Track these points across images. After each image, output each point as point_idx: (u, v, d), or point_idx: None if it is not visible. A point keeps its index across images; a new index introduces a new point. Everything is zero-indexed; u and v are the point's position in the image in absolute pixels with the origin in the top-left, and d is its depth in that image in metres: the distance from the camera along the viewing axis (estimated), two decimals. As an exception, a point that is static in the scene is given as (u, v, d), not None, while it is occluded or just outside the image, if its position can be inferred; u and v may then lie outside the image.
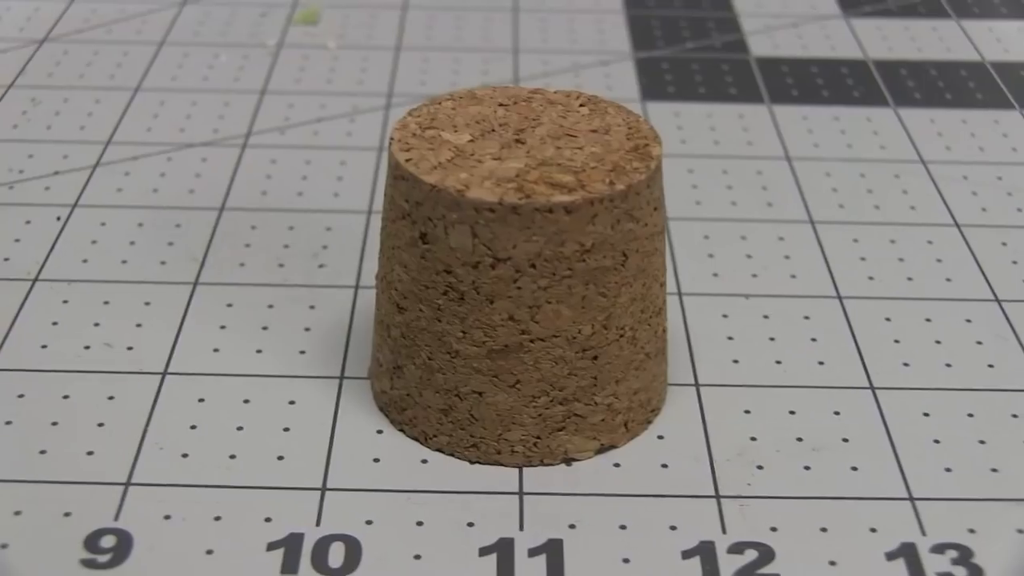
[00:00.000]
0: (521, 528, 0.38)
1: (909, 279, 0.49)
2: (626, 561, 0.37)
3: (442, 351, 0.39)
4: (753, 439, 0.41)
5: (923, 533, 0.38)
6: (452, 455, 0.40)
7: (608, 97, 0.61)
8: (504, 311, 0.38)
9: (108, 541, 0.37)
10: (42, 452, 0.40)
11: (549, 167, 0.38)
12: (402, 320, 0.40)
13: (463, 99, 0.42)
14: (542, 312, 0.38)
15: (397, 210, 0.39)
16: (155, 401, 0.42)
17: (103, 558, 0.36)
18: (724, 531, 0.38)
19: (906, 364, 0.45)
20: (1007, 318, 0.47)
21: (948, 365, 0.45)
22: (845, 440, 0.42)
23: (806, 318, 0.47)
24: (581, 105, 0.42)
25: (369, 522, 0.38)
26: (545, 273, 0.37)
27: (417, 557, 0.37)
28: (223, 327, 0.45)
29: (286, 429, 0.41)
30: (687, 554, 0.37)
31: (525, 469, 0.40)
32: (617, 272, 0.38)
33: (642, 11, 0.70)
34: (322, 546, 0.37)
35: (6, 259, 0.48)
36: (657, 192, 0.39)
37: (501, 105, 0.41)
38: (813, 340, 0.46)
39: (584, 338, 0.39)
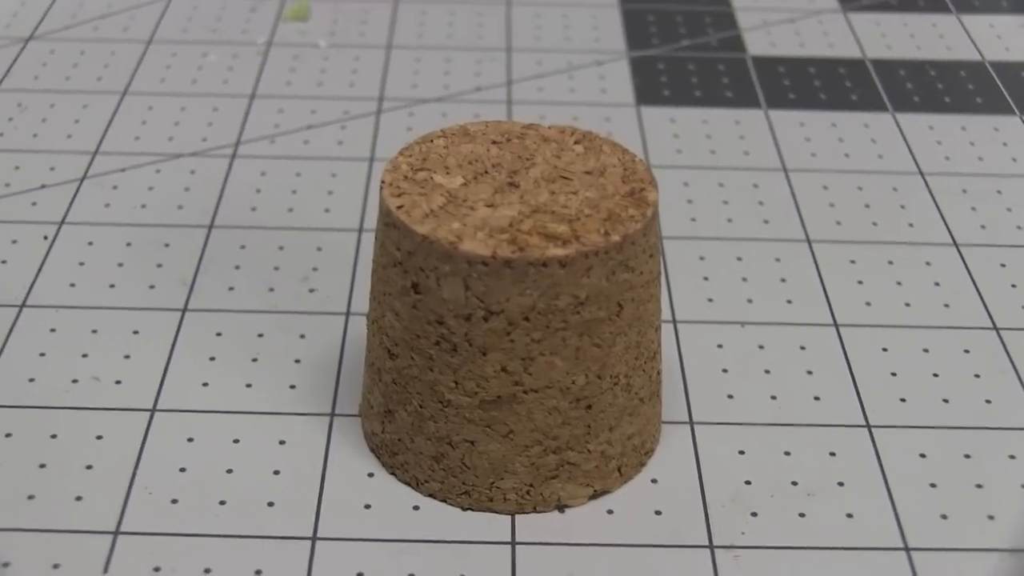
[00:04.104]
0: (513, 580, 0.38)
1: (907, 304, 0.49)
2: (619, 616, 0.37)
3: (434, 400, 0.39)
4: (748, 483, 0.41)
5: (917, 584, 0.38)
6: (444, 501, 0.40)
7: (603, 102, 0.61)
8: (497, 363, 0.37)
9: (97, 596, 0.37)
10: (30, 497, 0.39)
11: (543, 215, 0.38)
12: (393, 366, 0.39)
13: (455, 136, 0.41)
14: (535, 364, 0.37)
15: (388, 257, 0.38)
16: (144, 440, 0.42)
17: (92, 613, 0.36)
18: (718, 583, 0.38)
19: (903, 400, 0.44)
20: (1005, 348, 0.47)
21: (945, 400, 0.45)
22: (840, 484, 0.41)
23: (802, 348, 0.46)
24: (576, 143, 0.41)
25: (360, 574, 0.38)
26: (539, 326, 0.37)
27: (409, 612, 0.37)
28: (212, 359, 0.45)
29: (276, 472, 0.41)
30: (680, 607, 0.37)
31: (518, 516, 0.40)
32: (612, 322, 0.38)
33: (637, 5, 0.69)
34: (313, 601, 0.37)
35: (-8, 282, 0.48)
36: (653, 239, 0.39)
37: (494, 143, 0.41)
38: (809, 373, 0.45)
39: (578, 388, 0.38)
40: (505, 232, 0.37)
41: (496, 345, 0.37)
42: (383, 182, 0.39)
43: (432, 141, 0.41)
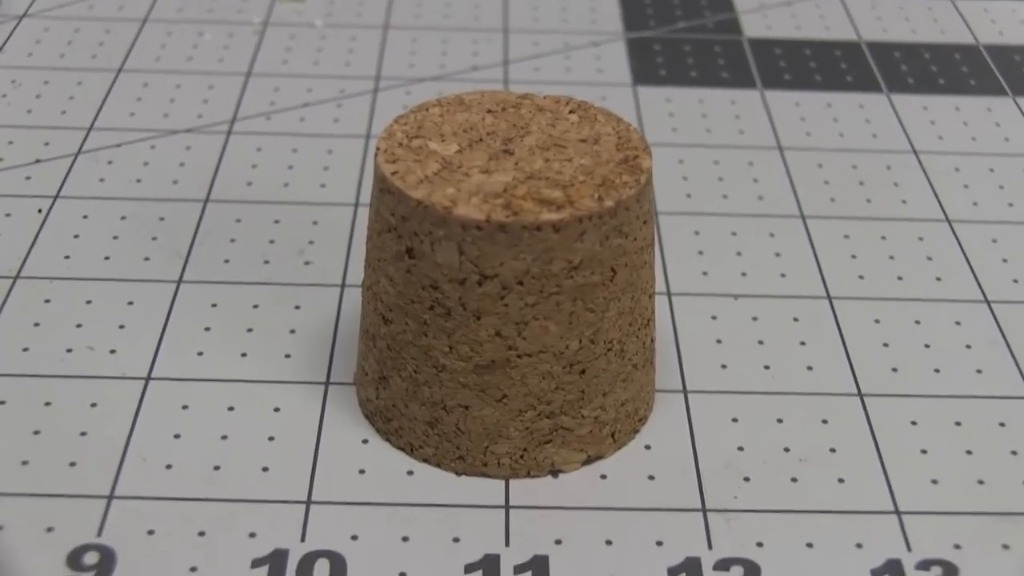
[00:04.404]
0: (507, 544, 0.38)
1: (899, 278, 0.49)
2: (612, 579, 0.37)
3: (428, 365, 0.39)
4: (740, 449, 0.41)
5: (908, 549, 0.38)
6: (438, 466, 0.40)
7: (599, 82, 0.61)
8: (491, 327, 0.38)
9: (91, 558, 0.37)
10: (24, 463, 0.40)
11: (537, 181, 0.38)
12: (388, 332, 0.39)
13: (451, 105, 0.41)
14: (529, 328, 0.38)
15: (383, 223, 0.38)
16: (138, 408, 0.42)
17: None
18: (710, 546, 0.38)
19: (895, 369, 0.45)
20: (996, 320, 0.47)
21: (936, 370, 0.45)
22: (832, 450, 0.41)
23: (795, 320, 0.47)
24: (571, 112, 0.41)
25: (354, 537, 0.38)
26: (532, 290, 0.37)
27: (403, 574, 0.37)
28: (207, 329, 0.45)
29: (271, 438, 0.41)
30: (673, 571, 0.37)
31: (512, 481, 0.40)
32: (605, 287, 0.38)
33: (634, -13, 0.69)
34: (307, 563, 0.37)
35: (-12, 254, 0.48)
36: (647, 205, 0.39)
37: (489, 112, 0.41)
38: (802, 344, 0.46)
39: (571, 353, 0.38)
40: (499, 197, 0.37)
41: (490, 309, 0.37)
42: (378, 148, 0.39)
43: (427, 110, 0.41)
